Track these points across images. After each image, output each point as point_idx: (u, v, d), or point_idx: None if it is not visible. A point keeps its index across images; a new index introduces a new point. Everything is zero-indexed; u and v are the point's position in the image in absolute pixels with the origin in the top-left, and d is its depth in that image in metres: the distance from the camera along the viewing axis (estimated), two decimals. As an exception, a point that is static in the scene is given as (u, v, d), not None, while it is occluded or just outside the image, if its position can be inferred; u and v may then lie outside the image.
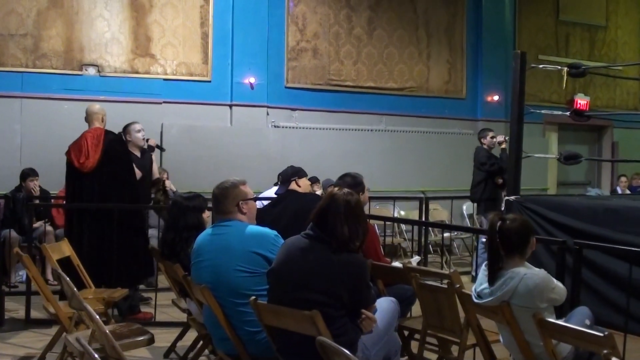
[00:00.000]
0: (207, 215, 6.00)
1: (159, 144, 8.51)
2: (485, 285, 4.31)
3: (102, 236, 7.29)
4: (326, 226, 4.16)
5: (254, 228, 4.68)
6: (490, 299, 4.25)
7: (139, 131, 8.18)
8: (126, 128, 8.24)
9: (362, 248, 4.35)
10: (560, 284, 4.33)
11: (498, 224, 4.34)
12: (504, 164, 10.23)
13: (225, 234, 4.61)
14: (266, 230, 4.66)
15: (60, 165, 9.91)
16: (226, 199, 4.71)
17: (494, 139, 10.43)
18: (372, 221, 10.38)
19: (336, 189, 4.40)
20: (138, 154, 8.12)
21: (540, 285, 4.13)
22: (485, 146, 10.51)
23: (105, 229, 7.26)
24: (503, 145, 10.41)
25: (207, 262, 4.60)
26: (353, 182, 5.98)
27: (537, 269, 4.30)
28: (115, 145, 7.44)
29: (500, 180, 10.34)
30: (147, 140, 8.28)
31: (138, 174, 7.77)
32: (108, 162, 7.31)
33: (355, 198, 4.29)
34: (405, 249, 11.78)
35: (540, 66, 8.60)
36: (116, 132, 7.81)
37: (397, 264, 6.43)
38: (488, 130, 10.78)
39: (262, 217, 5.60)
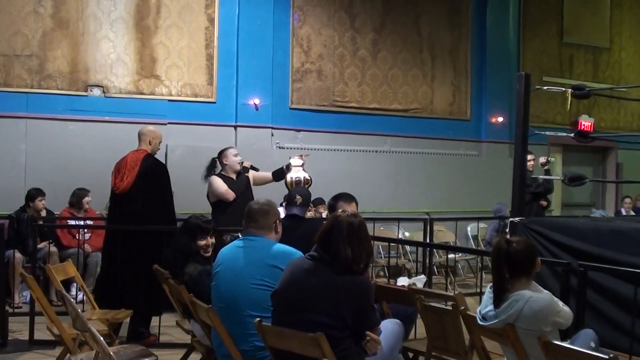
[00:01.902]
0: (204, 242, 5.89)
1: (252, 165, 8.57)
2: (490, 307, 4.29)
3: (123, 258, 7.39)
4: (330, 248, 4.16)
5: (281, 245, 4.77)
6: (495, 321, 4.23)
7: (235, 155, 8.34)
8: (223, 152, 8.40)
9: (367, 270, 4.35)
10: (566, 308, 4.30)
11: (504, 246, 4.32)
12: (549, 185, 10.33)
13: (253, 247, 4.70)
14: (293, 249, 4.73)
15: (64, 185, 9.99)
16: (267, 214, 4.83)
17: (535, 161, 10.53)
18: (376, 242, 10.41)
19: (340, 211, 4.42)
20: (234, 177, 8.27)
21: (545, 309, 4.11)
22: None
23: (127, 250, 7.37)
24: (547, 167, 10.50)
25: (230, 272, 4.66)
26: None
27: (543, 293, 4.28)
28: (149, 170, 7.43)
29: (545, 203, 10.49)
30: (242, 163, 8.36)
31: (231, 195, 8.00)
32: (141, 185, 7.37)
33: (358, 220, 4.30)
34: (409, 270, 11.73)
35: (545, 88, 8.59)
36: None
37: (403, 279, 6.43)
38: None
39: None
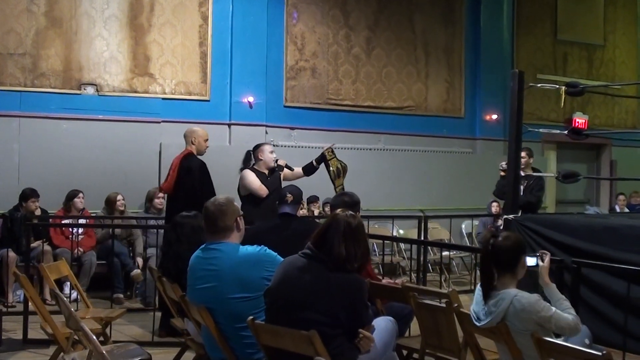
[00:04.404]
0: None
1: (287, 164, 8.53)
2: (482, 304, 4.27)
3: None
4: (325, 245, 4.16)
5: (245, 251, 4.59)
6: (485, 321, 4.21)
7: (271, 152, 8.30)
8: (258, 147, 8.36)
9: (362, 271, 4.34)
10: (563, 315, 4.17)
11: (490, 240, 4.28)
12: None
13: (218, 259, 4.53)
14: (256, 250, 4.60)
15: (58, 184, 9.97)
16: (225, 215, 4.62)
17: (526, 159, 10.23)
18: (371, 240, 10.40)
19: (339, 210, 4.41)
20: (266, 172, 8.21)
21: (528, 308, 4.03)
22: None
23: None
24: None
25: (202, 288, 4.56)
26: (350, 200, 5.96)
27: (531, 294, 4.22)
28: (186, 170, 7.73)
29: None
30: (277, 161, 8.34)
31: (264, 191, 7.94)
32: (181, 185, 7.69)
33: (357, 220, 4.30)
34: (404, 268, 11.75)
35: (539, 85, 8.59)
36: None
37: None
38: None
39: (264, 239, 5.44)
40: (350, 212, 4.41)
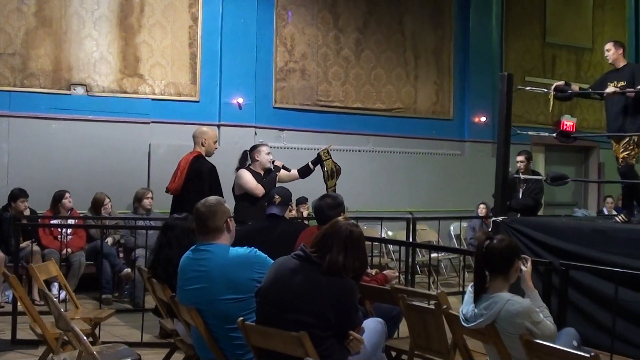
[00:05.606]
0: None
1: (284, 165, 8.54)
2: (471, 306, 4.29)
3: None
4: (321, 249, 4.16)
5: (235, 252, 4.59)
6: (475, 323, 4.23)
7: (268, 153, 8.30)
8: (255, 148, 8.40)
9: (358, 281, 4.35)
10: (549, 324, 4.23)
11: (485, 243, 4.31)
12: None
13: (208, 260, 4.53)
14: (247, 252, 4.59)
15: (47, 184, 9.94)
16: (215, 215, 4.61)
17: (524, 164, 10.06)
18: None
19: (341, 218, 4.42)
20: (262, 173, 8.23)
21: (521, 314, 4.05)
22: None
23: None
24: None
25: (192, 289, 4.56)
26: (333, 202, 5.93)
27: (524, 300, 4.25)
28: (196, 172, 7.71)
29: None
30: (274, 162, 8.35)
31: (261, 190, 7.93)
32: (189, 187, 7.67)
33: (359, 231, 4.31)
34: (392, 270, 11.76)
35: (527, 88, 8.63)
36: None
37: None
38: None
39: (253, 241, 5.43)
40: (352, 221, 4.43)
